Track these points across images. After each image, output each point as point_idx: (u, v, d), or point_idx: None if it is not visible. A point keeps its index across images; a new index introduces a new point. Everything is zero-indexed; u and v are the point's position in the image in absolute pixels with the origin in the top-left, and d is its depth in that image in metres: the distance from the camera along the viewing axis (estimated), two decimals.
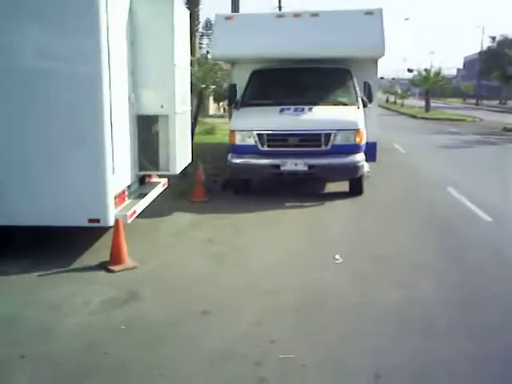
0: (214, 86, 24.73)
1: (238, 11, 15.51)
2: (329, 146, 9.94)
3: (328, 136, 9.91)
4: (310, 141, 10.00)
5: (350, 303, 5.43)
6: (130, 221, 6.68)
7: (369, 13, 11.49)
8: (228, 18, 12.44)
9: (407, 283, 5.98)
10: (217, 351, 4.42)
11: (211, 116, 30.07)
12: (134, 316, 5.12)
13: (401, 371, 4.17)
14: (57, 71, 6.13)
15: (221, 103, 33.88)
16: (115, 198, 6.50)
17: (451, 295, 5.68)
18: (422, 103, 50.04)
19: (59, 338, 4.68)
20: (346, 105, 10.75)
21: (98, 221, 6.33)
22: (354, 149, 10.01)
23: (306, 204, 9.75)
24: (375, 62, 12.24)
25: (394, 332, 4.84)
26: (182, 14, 8.06)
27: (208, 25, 36.15)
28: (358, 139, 10.03)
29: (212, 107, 33.38)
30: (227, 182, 11.15)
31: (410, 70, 62.76)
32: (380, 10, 11.56)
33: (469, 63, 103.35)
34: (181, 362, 4.29)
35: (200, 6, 25.11)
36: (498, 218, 8.80)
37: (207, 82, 21.16)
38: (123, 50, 6.95)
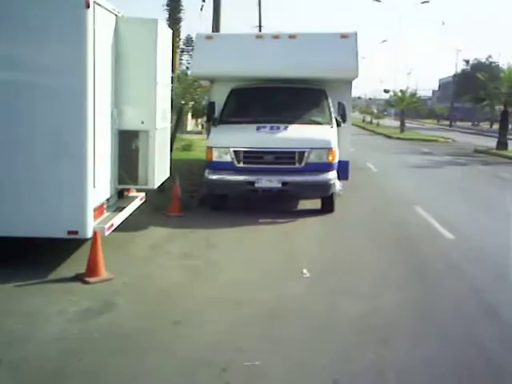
0: (192, 103, 25.10)
1: (218, 29, 15.83)
2: (302, 164, 10.27)
3: (302, 154, 10.24)
4: (285, 158, 10.33)
5: (316, 314, 5.72)
6: (107, 233, 6.90)
7: (344, 36, 11.94)
8: (208, 37, 12.81)
9: (371, 296, 6.30)
10: (188, 358, 4.67)
11: (189, 132, 30.29)
12: (109, 325, 5.32)
13: (359, 376, 4.46)
14: (42, 84, 6.39)
15: (199, 120, 34.20)
16: (94, 210, 6.72)
17: (412, 307, 6.02)
18: (398, 123, 50.96)
19: (35, 345, 4.85)
20: (321, 124, 11.10)
21: (76, 233, 6.53)
22: (326, 167, 10.36)
23: (278, 220, 10.04)
24: (349, 83, 12.65)
25: (357, 340, 5.13)
26: (165, 33, 8.36)
27: (188, 41, 36.54)
28: (330, 158, 10.38)
29: (190, 123, 33.64)
30: (204, 198, 11.40)
31: (386, 91, 64.00)
32: (355, 34, 12.01)
33: (444, 85, 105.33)
34: (153, 369, 4.50)
35: (181, 23, 25.47)
36: (460, 235, 9.22)
37: (186, 99, 21.49)
38: (107, 67, 7.22)
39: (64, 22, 6.36)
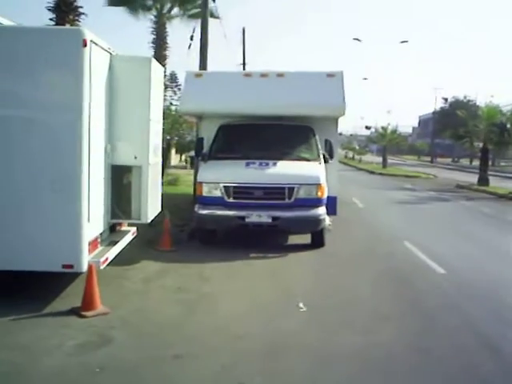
0: (177, 138, 25.31)
1: (206, 66, 16.08)
2: (292, 200, 10.38)
3: (291, 190, 10.36)
4: (275, 194, 10.44)
5: (314, 348, 5.74)
6: (102, 267, 6.91)
7: (331, 75, 12.23)
8: (198, 75, 13.06)
9: (367, 330, 6.35)
10: None
11: (174, 167, 30.43)
12: (108, 359, 5.30)
13: None
14: (39, 120, 6.47)
15: (183, 155, 34.38)
16: (89, 244, 6.74)
17: (407, 341, 6.07)
18: (379, 159, 51.75)
19: (36, 379, 4.83)
20: (309, 160, 11.27)
21: (71, 266, 6.53)
22: (316, 202, 10.48)
23: (269, 255, 10.09)
24: (336, 120, 12.92)
25: (356, 374, 5.16)
26: (157, 71, 8.51)
27: (172, 78, 36.98)
28: (319, 193, 10.52)
29: (174, 158, 33.79)
30: (193, 232, 11.42)
31: (367, 128, 65.23)
32: (341, 73, 12.31)
33: (424, 122, 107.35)
34: None
35: (167, 60, 25.77)
36: (451, 270, 9.34)
37: (172, 134, 21.70)
38: (102, 103, 7.32)
39: (62, 60, 6.49)
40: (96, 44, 6.86)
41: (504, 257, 11.10)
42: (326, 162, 11.50)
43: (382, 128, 52.47)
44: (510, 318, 7.14)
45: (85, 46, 6.43)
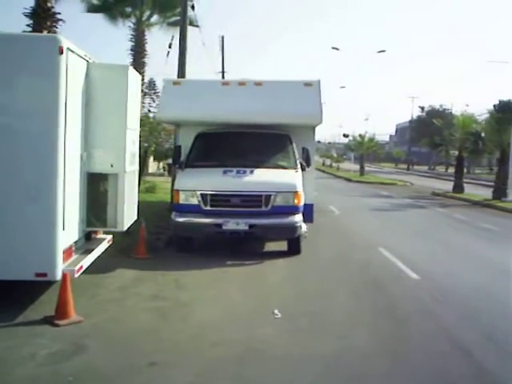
0: (155, 145, 25.23)
1: (184, 74, 16.08)
2: (269, 207, 10.44)
3: (268, 197, 10.42)
4: (252, 201, 10.48)
5: (290, 354, 5.77)
6: (77, 275, 6.85)
7: (308, 84, 12.31)
8: (176, 83, 13.06)
9: (341, 335, 6.41)
10: None
11: (152, 174, 30.32)
12: (82, 368, 5.26)
13: None
14: (14, 128, 6.45)
15: (161, 162, 34.26)
16: (63, 252, 6.68)
17: (381, 345, 6.15)
18: (357, 167, 52.18)
19: None
20: (286, 168, 11.34)
21: (45, 275, 6.49)
22: (292, 210, 10.54)
23: (246, 262, 10.12)
24: (313, 128, 13.02)
25: (330, 377, 5.22)
26: (134, 78, 8.51)
27: (151, 85, 36.83)
28: (296, 201, 10.58)
29: (152, 166, 33.68)
30: (170, 240, 11.40)
31: (345, 136, 65.55)
32: (318, 82, 12.41)
33: (401, 130, 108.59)
34: None
35: (145, 68, 25.71)
36: (424, 275, 9.47)
37: (150, 142, 21.62)
38: (78, 111, 7.30)
39: (38, 67, 6.48)
40: (72, 51, 6.85)
41: (475, 261, 11.31)
42: (303, 169, 11.58)
43: (360, 136, 52.94)
44: (477, 320, 7.23)
45: (61, 53, 6.43)
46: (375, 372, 5.43)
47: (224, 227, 10.37)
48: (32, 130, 6.46)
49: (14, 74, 6.48)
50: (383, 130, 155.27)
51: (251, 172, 10.85)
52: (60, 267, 6.57)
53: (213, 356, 5.65)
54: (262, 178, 10.80)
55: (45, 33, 16.19)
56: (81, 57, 7.29)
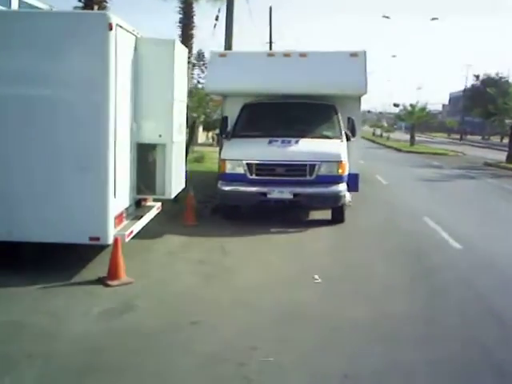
0: (204, 116, 25.59)
1: (231, 46, 16.23)
2: (313, 176, 10.60)
3: (313, 167, 10.57)
4: (296, 171, 10.66)
5: (326, 316, 6.02)
6: (127, 240, 7.26)
7: (353, 55, 12.29)
8: (222, 55, 13.27)
9: (378, 301, 6.60)
10: (206, 354, 4.98)
11: (201, 144, 30.76)
12: (131, 325, 5.65)
13: (364, 373, 4.77)
14: (68, 100, 6.83)
15: (210, 133, 34.67)
16: (115, 218, 7.08)
17: (416, 313, 6.30)
18: (408, 137, 51.23)
19: (62, 342, 5.20)
20: (331, 138, 11.45)
21: (98, 239, 6.90)
22: (336, 179, 10.67)
23: (290, 230, 10.36)
24: (358, 98, 13.02)
25: (365, 339, 5.44)
26: (181, 52, 8.76)
27: (200, 56, 37.06)
28: (340, 170, 10.70)
29: (201, 136, 34.12)
30: (216, 208, 11.73)
31: (396, 105, 64.38)
32: (364, 53, 12.36)
33: (454, 99, 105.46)
34: (174, 363, 4.83)
35: (193, 40, 25.93)
36: (468, 245, 9.51)
37: (198, 112, 21.96)
38: (128, 84, 7.63)
39: (89, 43, 6.80)
40: (121, 27, 7.13)
41: None
42: (348, 139, 11.65)
43: (411, 106, 51.84)
44: None
45: (110, 29, 6.71)
46: (408, 336, 5.61)
47: (269, 195, 10.60)
48: (85, 102, 6.81)
49: (67, 49, 6.82)
50: (436, 100, 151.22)
51: (296, 142, 11.01)
52: (112, 232, 6.96)
53: (251, 317, 5.96)
54: (306, 147, 10.94)
55: (95, 8, 16.65)
56: (129, 32, 7.58)
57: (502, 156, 31.32)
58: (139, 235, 7.96)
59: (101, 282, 6.88)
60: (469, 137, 75.50)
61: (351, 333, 5.63)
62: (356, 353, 5.17)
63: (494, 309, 6.53)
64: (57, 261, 7.50)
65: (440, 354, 5.19)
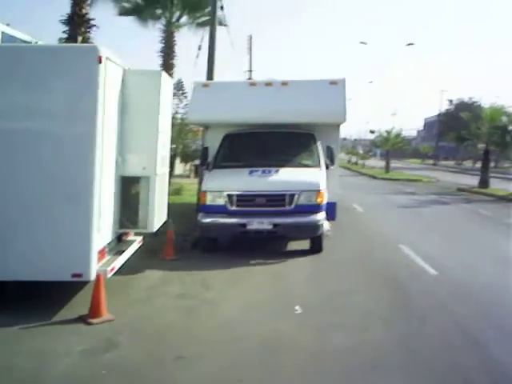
0: (181, 147, 25.68)
1: (213, 75, 16.37)
2: (292, 206, 10.72)
3: (292, 196, 10.71)
4: (276, 201, 10.78)
5: (309, 347, 6.11)
6: (109, 275, 7.27)
7: (333, 83, 12.61)
8: (205, 85, 13.47)
9: (360, 330, 6.72)
10: None
11: (179, 176, 30.76)
12: (115, 362, 5.66)
13: None
14: (56, 133, 6.90)
15: (188, 164, 34.64)
16: (98, 253, 7.09)
17: (398, 340, 6.43)
18: (383, 164, 51.85)
19: (48, 381, 5.20)
20: (310, 167, 11.63)
21: (80, 275, 6.89)
22: (315, 208, 10.82)
23: (269, 261, 10.44)
24: (338, 126, 13.28)
25: (346, 368, 5.54)
26: (166, 83, 8.91)
27: (179, 85, 37.22)
28: (319, 199, 10.86)
29: (178, 167, 34.11)
30: (196, 241, 11.76)
31: (372, 132, 65.27)
32: (343, 81, 12.68)
33: (429, 124, 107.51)
34: None
35: (174, 69, 26.12)
36: (443, 271, 9.72)
37: (178, 143, 22.06)
38: (114, 116, 7.73)
39: (78, 76, 6.93)
40: (110, 60, 7.28)
41: (497, 257, 11.43)
42: (327, 168, 11.85)
43: (386, 132, 52.64)
44: (495, 315, 7.46)
45: (100, 62, 6.86)
46: (390, 363, 5.72)
47: (248, 227, 10.68)
48: (72, 135, 6.89)
49: (57, 82, 6.93)
50: (412, 125, 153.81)
51: (276, 171, 11.16)
52: (94, 268, 6.95)
53: (237, 349, 6.02)
54: (286, 177, 11.08)
55: (79, 39, 16.90)
56: (117, 64, 7.73)
57: (474, 181, 31.89)
58: (119, 270, 7.96)
59: (82, 320, 6.85)
60: (443, 162, 76.80)
61: (334, 361, 5.72)
62: (339, 379, 5.29)
63: (471, 334, 6.68)
64: (38, 298, 7.46)
65: (422, 380, 5.30)
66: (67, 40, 17.56)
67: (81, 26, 17.38)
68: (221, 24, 19.85)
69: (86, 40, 17.46)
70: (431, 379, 5.42)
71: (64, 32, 17.71)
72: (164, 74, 8.69)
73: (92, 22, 17.79)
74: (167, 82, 8.99)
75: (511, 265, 10.73)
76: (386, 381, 5.31)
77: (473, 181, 32.75)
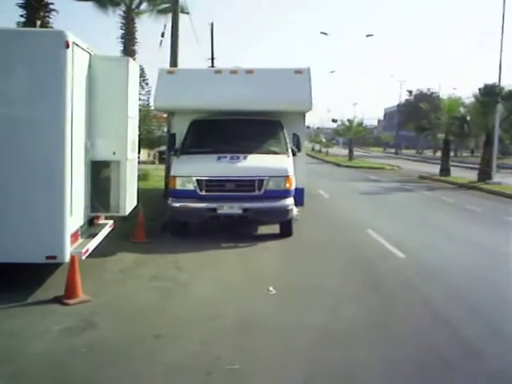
0: (146, 133, 25.57)
1: (176, 62, 16.39)
2: (262, 191, 10.89)
3: (261, 182, 10.87)
4: (245, 186, 10.93)
5: (283, 324, 6.29)
6: (84, 257, 7.30)
7: (298, 71, 12.78)
8: (170, 71, 13.49)
9: (331, 308, 6.94)
10: (173, 365, 5.15)
11: (143, 162, 30.57)
12: (94, 341, 5.72)
13: (321, 373, 5.07)
14: (23, 118, 6.87)
15: (152, 151, 34.48)
16: (71, 236, 7.13)
17: (367, 317, 6.68)
18: (346, 152, 52.63)
19: (27, 360, 5.22)
20: (278, 153, 11.79)
21: (54, 257, 6.93)
22: (284, 194, 11.01)
23: (240, 244, 10.59)
24: (303, 114, 13.49)
25: (319, 345, 5.74)
26: (134, 69, 8.91)
27: (140, 72, 36.76)
28: (287, 185, 11.05)
29: (143, 154, 33.88)
30: (166, 225, 11.81)
31: (334, 120, 66.18)
32: (308, 70, 12.85)
33: (389, 114, 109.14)
34: (140, 376, 4.96)
35: (136, 56, 25.86)
36: (411, 254, 10.04)
37: (141, 130, 21.96)
38: (82, 101, 7.71)
39: (45, 61, 6.88)
40: (77, 45, 7.24)
41: (458, 240, 11.89)
42: (293, 154, 12.03)
43: (348, 121, 53.40)
44: (457, 294, 7.78)
45: (67, 47, 6.82)
46: (361, 340, 5.95)
47: (219, 211, 10.81)
48: (41, 121, 6.87)
49: (24, 67, 6.89)
50: (372, 115, 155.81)
51: (244, 158, 11.29)
52: (68, 250, 7.00)
53: (212, 328, 6.15)
54: (254, 163, 11.23)
55: (38, 23, 16.51)
56: (84, 50, 7.69)
57: (435, 169, 32.64)
58: (92, 254, 7.98)
59: (58, 300, 6.87)
60: (404, 151, 78.18)
61: (306, 339, 5.90)
62: (313, 355, 5.47)
63: (439, 311, 6.97)
64: (11, 280, 7.40)
65: (390, 354, 5.54)
66: (25, 24, 17.21)
67: (39, 11, 17.07)
68: (182, 11, 19.83)
69: (45, 25, 17.14)
70: (402, 351, 5.65)
71: (22, 16, 17.36)
72: (131, 60, 8.71)
73: (51, 7, 17.50)
74: (134, 68, 9.00)
75: (473, 247, 11.15)
76: (360, 355, 5.51)
77: (434, 169, 33.53)
